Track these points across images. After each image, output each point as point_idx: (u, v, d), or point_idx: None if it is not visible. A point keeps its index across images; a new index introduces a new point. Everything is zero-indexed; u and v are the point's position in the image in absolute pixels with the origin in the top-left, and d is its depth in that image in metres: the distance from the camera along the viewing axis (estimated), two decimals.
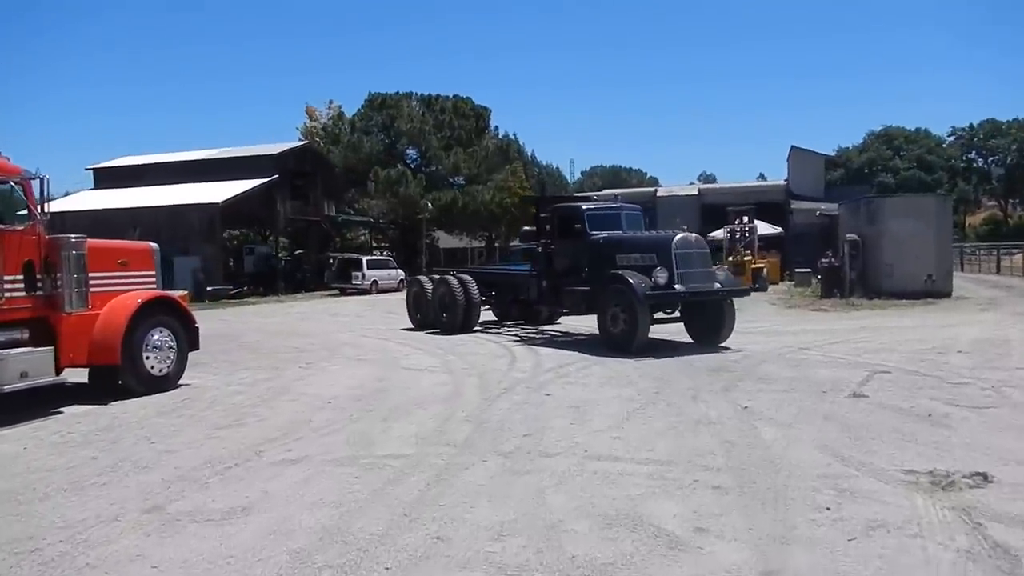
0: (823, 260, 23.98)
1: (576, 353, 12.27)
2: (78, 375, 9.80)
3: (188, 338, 10.18)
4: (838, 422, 7.09)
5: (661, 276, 12.08)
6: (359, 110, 51.70)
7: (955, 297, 21.61)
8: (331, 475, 5.74)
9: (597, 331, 13.10)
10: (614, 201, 16.84)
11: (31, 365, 8.20)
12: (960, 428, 6.79)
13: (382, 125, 49.70)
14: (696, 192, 42.49)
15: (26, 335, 8.43)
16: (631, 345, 11.98)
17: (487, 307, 16.98)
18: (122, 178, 39.81)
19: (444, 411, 8.01)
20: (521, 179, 52.27)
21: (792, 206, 38.24)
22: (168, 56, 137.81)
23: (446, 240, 56.39)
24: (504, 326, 17.11)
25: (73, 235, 8.94)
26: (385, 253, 46.46)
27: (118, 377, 9.44)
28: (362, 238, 52.84)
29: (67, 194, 44.33)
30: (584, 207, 14.58)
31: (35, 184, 8.61)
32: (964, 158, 75.06)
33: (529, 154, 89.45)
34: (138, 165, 41.10)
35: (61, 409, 8.60)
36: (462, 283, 16.10)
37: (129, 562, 4.24)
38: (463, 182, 50.18)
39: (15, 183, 8.45)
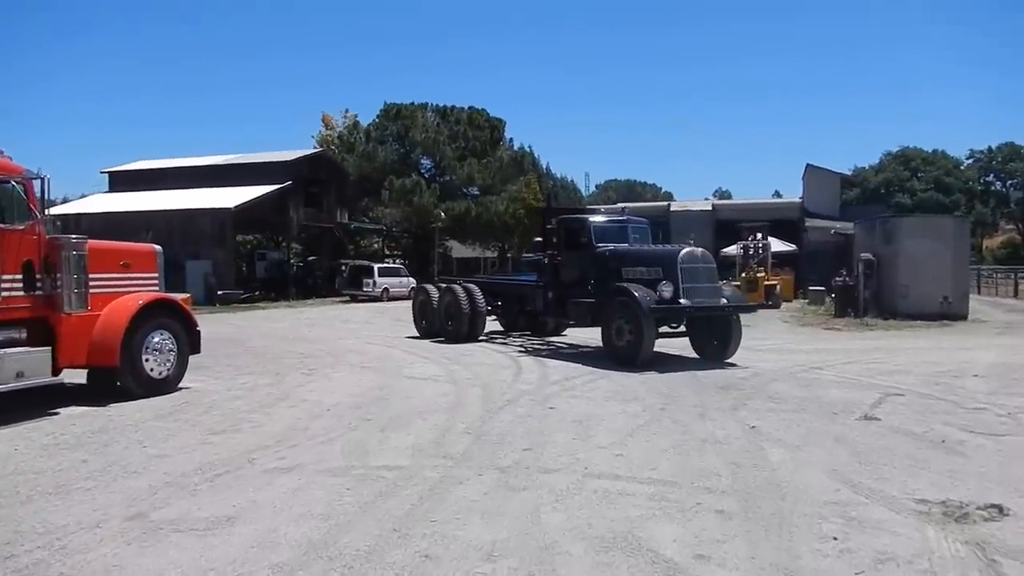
0: (837, 279, 23.66)
1: (583, 366, 12.08)
2: (79, 376, 9.72)
3: (189, 341, 10.09)
4: (848, 446, 6.86)
5: (666, 290, 11.95)
6: (374, 119, 51.88)
7: (971, 320, 21.25)
8: (322, 485, 5.58)
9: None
10: (621, 214, 16.68)
11: (27, 365, 8.10)
12: (975, 456, 6.55)
13: (397, 135, 49.80)
14: (710, 208, 42.11)
15: (24, 335, 8.34)
16: (636, 359, 11.83)
17: (493, 317, 16.84)
18: (137, 182, 40.00)
19: (444, 422, 7.84)
20: (535, 190, 52.22)
21: (807, 224, 37.87)
22: (187, 66, 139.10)
23: (459, 250, 56.39)
24: (510, 336, 16.98)
25: (74, 236, 8.86)
26: (398, 261, 46.47)
27: (117, 379, 9.33)
28: (375, 246, 52.86)
29: (83, 196, 44.64)
30: (591, 219, 14.49)
31: (36, 184, 8.53)
32: (982, 181, 74.35)
33: (544, 166, 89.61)
34: (153, 169, 41.34)
35: (58, 410, 8.49)
36: (468, 292, 15.98)
37: (104, 573, 4.08)
38: (477, 192, 50.20)
39: (16, 182, 8.37)
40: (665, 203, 47.21)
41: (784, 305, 27.90)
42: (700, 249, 13.16)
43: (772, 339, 17.11)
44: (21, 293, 8.31)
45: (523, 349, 14.77)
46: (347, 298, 35.96)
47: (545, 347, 15.18)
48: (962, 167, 73.96)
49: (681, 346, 13.47)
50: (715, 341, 12.92)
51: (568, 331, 16.66)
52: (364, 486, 5.55)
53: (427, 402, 9.05)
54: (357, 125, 54.56)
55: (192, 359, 10.56)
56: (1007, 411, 8.53)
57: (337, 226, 43.00)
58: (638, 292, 11.97)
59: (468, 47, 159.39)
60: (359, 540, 4.48)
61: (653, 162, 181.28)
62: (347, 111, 57.30)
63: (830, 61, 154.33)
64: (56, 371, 8.69)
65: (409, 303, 19.42)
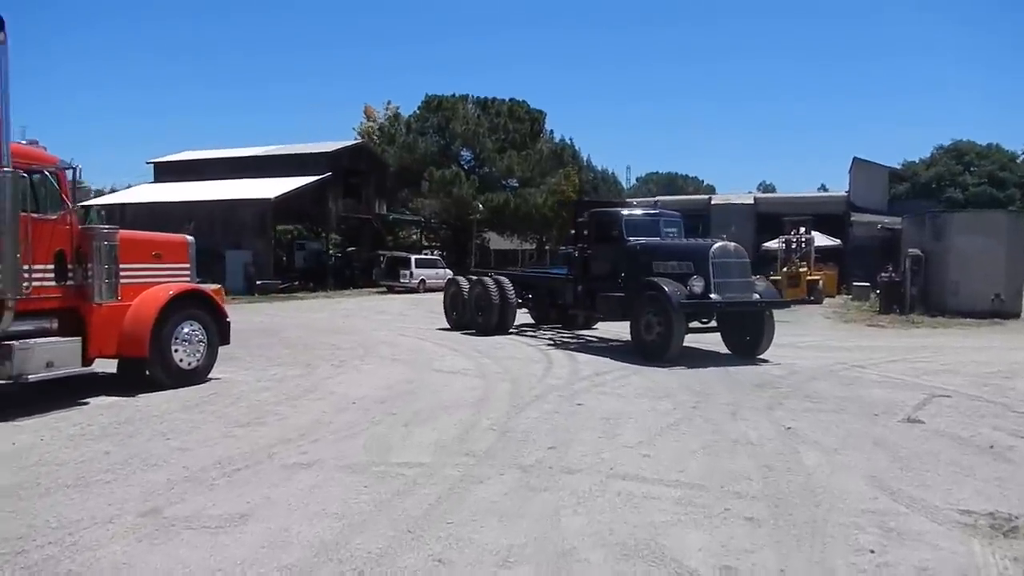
0: (883, 274, 23.01)
1: (614, 361, 11.86)
2: (111, 366, 9.79)
3: (219, 332, 10.08)
4: (889, 450, 6.55)
5: (697, 285, 11.71)
6: (415, 111, 51.97)
7: None
8: (340, 483, 5.46)
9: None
10: (654, 207, 16.42)
11: (57, 355, 8.13)
12: None
13: (437, 126, 49.82)
14: (752, 201, 41.33)
15: (55, 325, 8.37)
16: (665, 354, 11.62)
17: (523, 309, 16.71)
18: (181, 172, 40.63)
19: (470, 417, 7.70)
20: (574, 183, 51.84)
21: (852, 218, 36.97)
22: (234, 59, 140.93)
23: (497, 241, 56.30)
24: (540, 329, 16.82)
25: (105, 226, 8.89)
26: (435, 253, 46.55)
27: (146, 369, 9.36)
28: (414, 237, 53.03)
29: (129, 187, 45.49)
30: (622, 212, 14.29)
31: (68, 174, 8.56)
32: None
33: (585, 159, 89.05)
34: (196, 160, 41.93)
35: (87, 400, 8.52)
36: (498, 285, 15.87)
37: (113, 571, 4.00)
38: (516, 184, 50.04)
39: (49, 172, 8.40)
40: (706, 196, 46.50)
41: (827, 301, 27.26)
42: (733, 243, 12.86)
43: (813, 335, 16.67)
44: (53, 283, 8.33)
45: (553, 343, 14.60)
46: (384, 289, 36.11)
47: (575, 341, 14.98)
48: (1019, 160, 71.55)
49: (715, 341, 13.17)
50: (747, 337, 12.66)
51: (599, 325, 16.45)
52: (382, 484, 5.42)
53: (454, 396, 8.92)
54: (398, 117, 54.72)
55: (224, 349, 10.58)
56: None
57: (375, 217, 43.20)
58: (668, 286, 11.74)
59: (510, 41, 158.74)
60: (372, 542, 4.35)
61: (695, 155, 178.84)
62: (389, 103, 57.59)
63: (881, 58, 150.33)
64: (87, 361, 8.72)
65: None
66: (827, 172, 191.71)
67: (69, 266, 8.48)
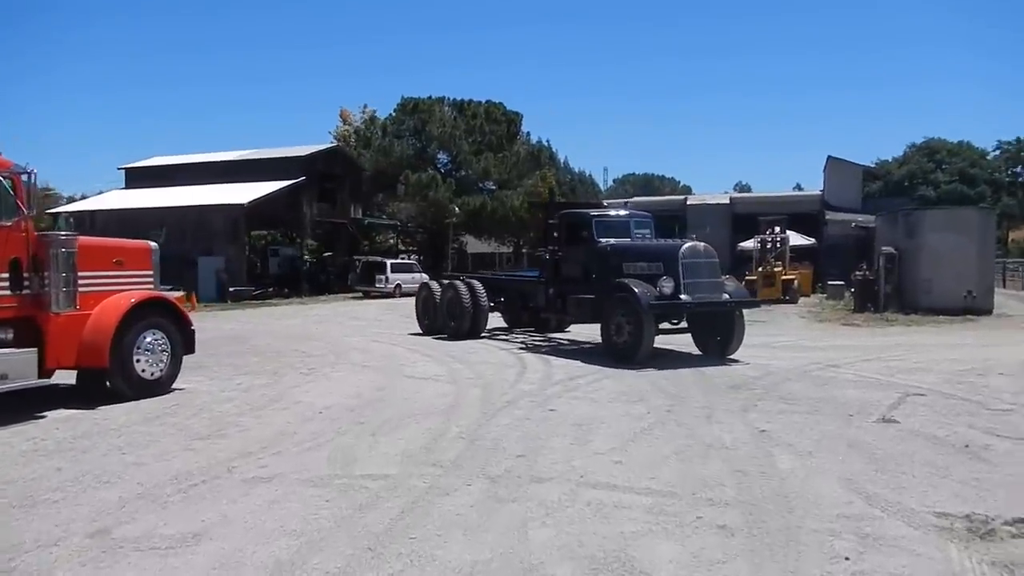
0: (857, 273, 23.11)
1: (589, 364, 11.72)
2: (71, 377, 9.50)
3: (183, 341, 9.81)
4: (864, 451, 6.45)
5: (667, 286, 11.67)
6: (391, 114, 51.60)
7: (996, 314, 20.64)
8: (300, 497, 5.26)
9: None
10: (624, 208, 16.37)
11: (11, 367, 7.85)
12: (1002, 463, 6.11)
13: (413, 129, 49.46)
14: (727, 201, 41.46)
15: (10, 335, 8.09)
16: (635, 356, 11.55)
17: (496, 313, 16.59)
18: (152, 178, 40.01)
19: (439, 425, 7.51)
20: (551, 184, 51.74)
21: (827, 217, 37.18)
22: (206, 60, 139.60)
23: (474, 245, 56.07)
24: (512, 333, 16.68)
25: (63, 232, 8.61)
26: (412, 257, 46.23)
27: (107, 380, 9.09)
28: (391, 242, 52.67)
29: (100, 193, 44.80)
30: (592, 214, 14.20)
31: (23, 179, 8.28)
32: (1010, 172, 72.83)
33: (562, 161, 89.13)
34: (168, 165, 41.30)
35: (45, 413, 8.24)
36: (470, 288, 15.72)
37: None
38: (493, 187, 49.84)
39: (4, 177, 8.12)
40: (682, 197, 46.58)
41: (802, 300, 27.38)
42: (702, 244, 12.82)
43: (788, 335, 16.66)
44: (7, 292, 8.05)
45: (525, 346, 14.46)
46: (360, 294, 35.76)
47: (548, 344, 14.85)
48: (989, 158, 72.52)
49: (688, 342, 13.11)
50: (717, 337, 12.64)
51: (572, 328, 16.31)
52: (344, 498, 5.22)
53: (425, 404, 8.72)
54: (374, 120, 54.30)
55: (192, 358, 10.34)
56: None
57: (351, 222, 42.81)
58: (638, 288, 11.67)
59: (487, 41, 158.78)
60: (329, 561, 4.15)
61: (672, 156, 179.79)
62: (365, 106, 57.15)
63: (853, 55, 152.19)
64: (45, 373, 8.44)
65: None
66: (802, 171, 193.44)
67: (25, 274, 8.20)
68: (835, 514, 4.82)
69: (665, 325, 12.52)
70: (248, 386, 10.14)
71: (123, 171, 42.27)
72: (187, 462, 6.23)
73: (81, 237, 8.80)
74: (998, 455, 6.37)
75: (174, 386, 9.70)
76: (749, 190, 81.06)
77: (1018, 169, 73.27)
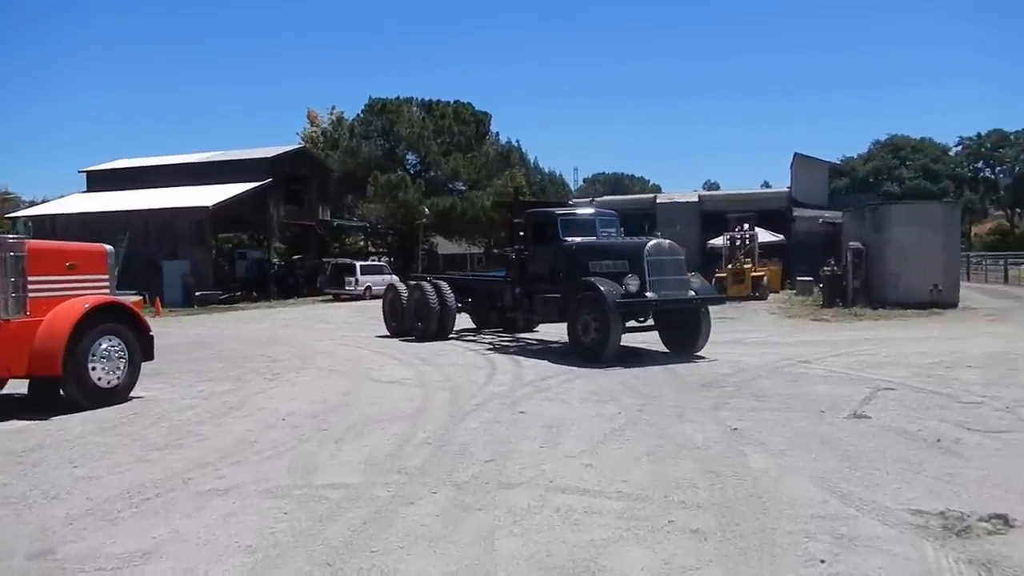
0: (825, 268, 23.26)
1: (559, 365, 11.58)
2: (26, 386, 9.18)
3: (141, 347, 9.48)
4: (837, 448, 6.37)
5: (632, 283, 11.61)
6: (358, 115, 51.17)
7: (962, 308, 20.85)
8: (257, 510, 5.04)
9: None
10: (590, 206, 16.32)
11: None
12: (974, 456, 6.07)
13: (381, 130, 49.09)
14: (696, 199, 41.61)
15: None
16: (602, 354, 11.47)
17: (463, 314, 16.46)
18: (115, 181, 39.22)
19: (405, 431, 7.31)
20: (520, 184, 51.63)
21: (795, 214, 37.46)
22: (170, 63, 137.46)
23: (445, 246, 55.81)
24: (481, 333, 16.52)
25: (11, 236, 8.29)
26: (382, 259, 45.85)
27: (61, 389, 8.76)
28: (361, 244, 52.24)
29: (61, 197, 43.84)
30: (557, 212, 14.10)
31: None
32: (971, 167, 74.20)
33: (532, 161, 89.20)
34: (131, 168, 40.56)
35: None
36: (437, 289, 15.54)
37: None
38: (463, 188, 49.62)
39: None
40: (651, 196, 46.68)
41: (772, 296, 27.50)
42: (667, 241, 12.81)
43: (758, 332, 16.67)
44: None
45: (492, 347, 14.31)
46: (330, 297, 35.35)
47: (517, 345, 14.71)
48: (951, 153, 73.81)
49: (656, 340, 13.05)
50: (684, 334, 12.61)
51: (540, 327, 16.18)
52: (304, 509, 5.01)
53: (391, 408, 8.51)
54: (341, 121, 53.85)
55: (153, 364, 10.05)
56: (1005, 404, 8.08)
57: (319, 224, 42.37)
58: (603, 286, 11.60)
59: (456, 42, 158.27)
60: None
61: (641, 156, 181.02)
62: (333, 107, 56.66)
63: (818, 53, 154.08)
64: None
65: None
66: (770, 169, 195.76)
67: None
68: (809, 514, 4.71)
69: (632, 323, 12.49)
70: (210, 393, 9.85)
71: (84, 174, 41.38)
72: (141, 474, 5.97)
73: (30, 240, 8.48)
74: (969, 449, 6.32)
75: (132, 394, 9.38)
76: (718, 188, 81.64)
77: (979, 164, 74.67)
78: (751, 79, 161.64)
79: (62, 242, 10.05)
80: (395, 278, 35.98)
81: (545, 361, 12.09)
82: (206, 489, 5.54)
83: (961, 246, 29.88)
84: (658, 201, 41.59)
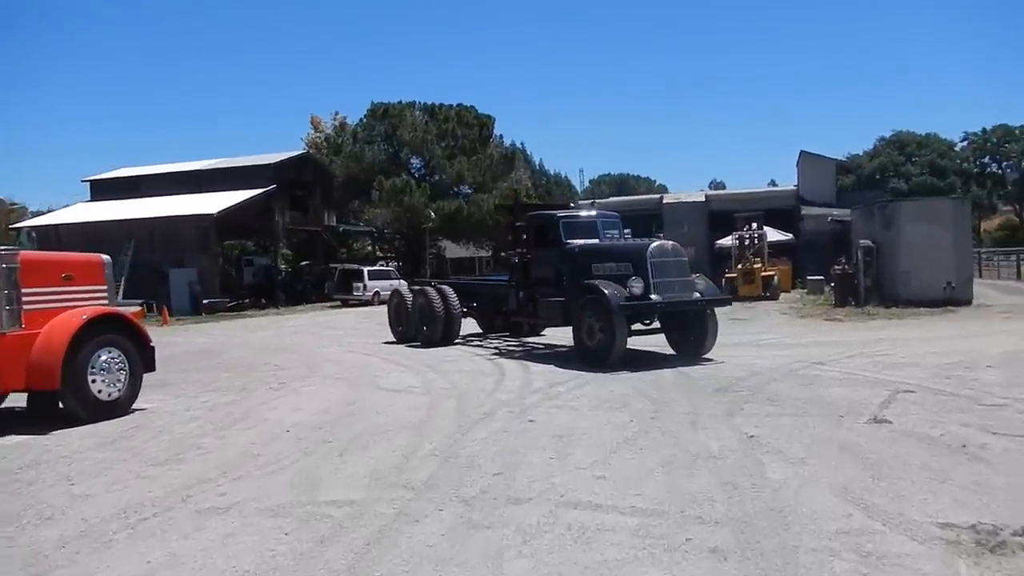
0: (836, 267, 22.97)
1: (568, 370, 11.35)
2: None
3: (142, 359, 9.33)
4: (858, 456, 6.14)
5: (636, 286, 11.44)
6: (361, 120, 51.10)
7: (976, 305, 20.52)
8: (258, 530, 4.85)
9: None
10: (592, 208, 16.14)
11: None
12: (1001, 463, 5.83)
13: (385, 135, 48.97)
14: (703, 199, 41.27)
15: None
16: (608, 358, 11.29)
17: (468, 318, 16.34)
18: (119, 190, 39.24)
19: (411, 442, 7.11)
20: (526, 186, 51.47)
21: (803, 212, 37.12)
22: (173, 69, 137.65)
23: (453, 250, 55.67)
24: (487, 338, 16.33)
25: (3, 247, 8.14)
26: (390, 263, 45.72)
27: (60, 402, 8.61)
28: (368, 249, 52.16)
29: (66, 206, 43.86)
30: (559, 215, 13.90)
31: None
32: (977, 163, 73.65)
33: (537, 163, 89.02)
34: (135, 176, 40.51)
35: None
36: (441, 294, 15.39)
37: None
38: (469, 191, 49.45)
39: None
40: (658, 196, 46.40)
41: (782, 296, 27.23)
42: (671, 242, 12.64)
43: (771, 333, 16.42)
44: None
45: (499, 352, 14.13)
46: (338, 303, 35.22)
47: (523, 349, 14.52)
48: (957, 149, 73.28)
49: (667, 343, 12.84)
50: (691, 337, 12.41)
51: (547, 331, 15.98)
52: (305, 529, 4.82)
53: (397, 418, 8.32)
54: (344, 126, 53.81)
55: (159, 374, 9.94)
56: None
57: (325, 229, 42.28)
58: (607, 289, 11.41)
59: (458, 45, 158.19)
60: None
61: (647, 156, 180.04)
62: (336, 113, 56.70)
63: (824, 51, 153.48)
64: None
65: None
66: (776, 167, 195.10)
67: None
68: (833, 530, 4.49)
69: (637, 326, 12.29)
70: (214, 404, 9.69)
71: (88, 183, 41.37)
72: (139, 492, 5.79)
73: (24, 252, 8.33)
74: (996, 454, 6.09)
75: (135, 406, 9.25)
76: (724, 187, 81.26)
77: (985, 160, 74.10)
78: (754, 77, 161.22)
79: (58, 252, 9.91)
80: (403, 283, 35.93)
81: (553, 366, 11.88)
82: (205, 507, 5.36)
83: (972, 242, 29.51)
84: (664, 201, 41.29)
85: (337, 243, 45.88)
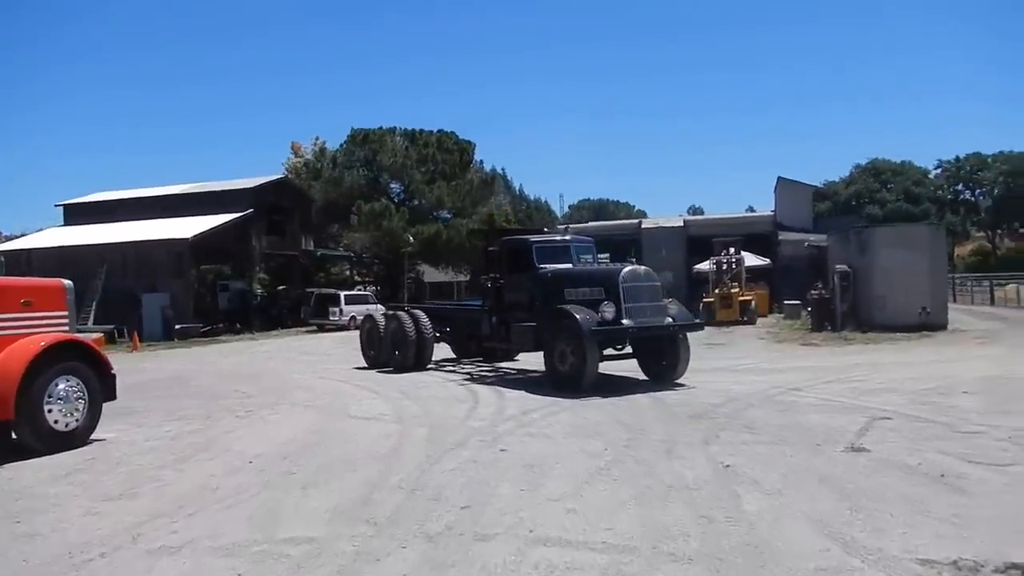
0: (813, 292, 23.04)
1: (543, 397, 11.15)
2: None
3: (102, 387, 9.01)
4: (835, 486, 5.99)
5: (608, 311, 11.36)
6: (341, 145, 51.02)
7: (951, 330, 20.62)
8: (210, 570, 4.60)
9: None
10: (564, 233, 16.12)
11: None
12: (980, 494, 5.70)
13: (364, 160, 48.87)
14: (681, 224, 41.51)
15: None
16: (580, 384, 11.17)
17: (442, 343, 16.17)
18: (93, 214, 38.72)
19: (377, 474, 6.87)
20: (506, 211, 51.48)
21: (780, 237, 37.38)
22: (151, 95, 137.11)
23: (431, 274, 55.45)
24: (460, 364, 16.15)
25: None
26: (368, 288, 45.39)
27: (13, 433, 8.28)
28: (346, 273, 51.83)
29: (39, 231, 43.21)
30: (532, 239, 13.82)
31: None
32: (951, 190, 74.85)
33: (517, 188, 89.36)
34: (110, 201, 40.05)
35: None
36: (414, 319, 15.21)
37: None
38: (448, 216, 49.39)
39: None
40: (636, 221, 46.58)
41: (760, 321, 27.28)
42: (643, 267, 12.63)
43: (748, 358, 16.35)
44: None
45: (471, 378, 13.96)
46: (314, 328, 34.82)
47: (496, 375, 14.34)
48: (931, 176, 74.44)
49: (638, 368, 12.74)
50: (663, 362, 12.35)
51: (520, 356, 15.80)
52: (260, 569, 4.58)
53: (366, 448, 8.07)
54: (324, 151, 53.72)
55: (123, 402, 9.66)
56: (1006, 434, 7.71)
57: (302, 253, 41.93)
58: (579, 314, 11.31)
59: (439, 71, 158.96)
60: None
61: (626, 180, 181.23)
62: (316, 138, 56.61)
63: (799, 75, 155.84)
64: None
65: None
66: (753, 193, 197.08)
67: None
68: (811, 568, 4.31)
69: (609, 351, 12.20)
70: (176, 433, 9.39)
71: (61, 207, 40.82)
72: (87, 530, 5.51)
73: None
74: (974, 484, 5.96)
75: (94, 436, 8.91)
76: (702, 213, 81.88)
77: (959, 187, 75.32)
78: (730, 102, 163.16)
79: (15, 278, 9.59)
80: (380, 307, 35.60)
81: (528, 392, 11.68)
82: (156, 546, 5.09)
83: (947, 268, 29.77)
84: (643, 226, 41.44)
85: (315, 268, 45.53)
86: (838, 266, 22.02)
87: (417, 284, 53.02)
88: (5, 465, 7.75)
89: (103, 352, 9.28)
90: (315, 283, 42.80)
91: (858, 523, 5.07)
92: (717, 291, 27.97)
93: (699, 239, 36.16)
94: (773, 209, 42.85)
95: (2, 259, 34.48)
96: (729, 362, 15.23)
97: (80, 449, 8.45)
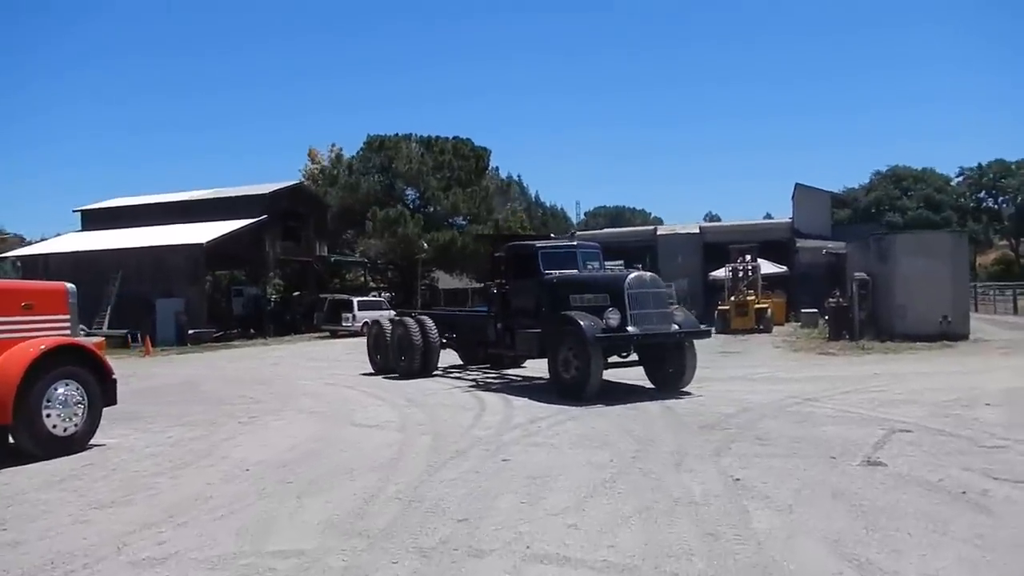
0: (831, 300, 22.62)
1: (551, 405, 10.91)
2: None
3: (103, 392, 8.89)
4: (851, 503, 5.72)
5: (613, 317, 11.14)
6: (358, 152, 51.09)
7: (973, 339, 20.13)
8: None
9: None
10: (570, 239, 15.93)
11: None
12: (1004, 513, 5.41)
13: (380, 166, 48.88)
14: (697, 231, 41.13)
15: None
16: (583, 391, 10.99)
17: (448, 349, 16.06)
18: (109, 220, 38.87)
19: (375, 483, 6.67)
20: (521, 218, 51.30)
21: (798, 244, 36.91)
22: (171, 101, 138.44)
23: (446, 280, 55.33)
24: (467, 370, 15.97)
25: None
26: (383, 294, 45.35)
27: (11, 437, 8.16)
28: (361, 279, 51.82)
29: (58, 236, 43.55)
30: (537, 245, 13.63)
31: None
32: (974, 197, 73.75)
33: (533, 195, 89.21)
34: (127, 206, 40.23)
35: None
36: (420, 325, 15.10)
37: None
38: (463, 222, 49.29)
39: None
40: (652, 228, 46.26)
41: (776, 329, 26.87)
42: (649, 274, 12.45)
43: (764, 366, 16.01)
44: None
45: (477, 384, 13.77)
46: (327, 334, 34.74)
47: (502, 382, 14.14)
48: (953, 183, 73.42)
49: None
50: (669, 369, 12.12)
51: (528, 363, 15.60)
52: None
53: (366, 456, 7.88)
54: (340, 158, 53.84)
55: (127, 408, 9.58)
56: None
57: (317, 259, 41.94)
58: (583, 320, 11.13)
59: (462, 79, 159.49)
60: None
61: (643, 187, 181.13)
62: (333, 145, 56.76)
63: (819, 83, 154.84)
64: None
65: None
66: (771, 200, 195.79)
67: None
68: None
69: (614, 358, 11.98)
70: (178, 439, 9.25)
71: (79, 213, 41.08)
72: (73, 539, 5.35)
73: None
74: (998, 503, 5.67)
75: (94, 441, 8.80)
76: (719, 220, 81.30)
77: (982, 194, 74.21)
78: (748, 109, 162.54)
79: (17, 281, 9.51)
80: (392, 314, 35.46)
81: (536, 400, 11.45)
82: (140, 558, 4.91)
83: (969, 276, 29.22)
84: (659, 233, 41.13)
85: (330, 274, 45.56)
86: (857, 274, 21.61)
87: (432, 291, 52.91)
88: (1, 470, 7.63)
89: (104, 356, 9.14)
90: (330, 289, 42.80)
91: (874, 543, 4.81)
92: (733, 299, 27.59)
93: (715, 246, 35.80)
94: (791, 216, 42.34)
95: (18, 263, 34.89)
96: (744, 371, 14.92)
97: (78, 454, 8.32)
